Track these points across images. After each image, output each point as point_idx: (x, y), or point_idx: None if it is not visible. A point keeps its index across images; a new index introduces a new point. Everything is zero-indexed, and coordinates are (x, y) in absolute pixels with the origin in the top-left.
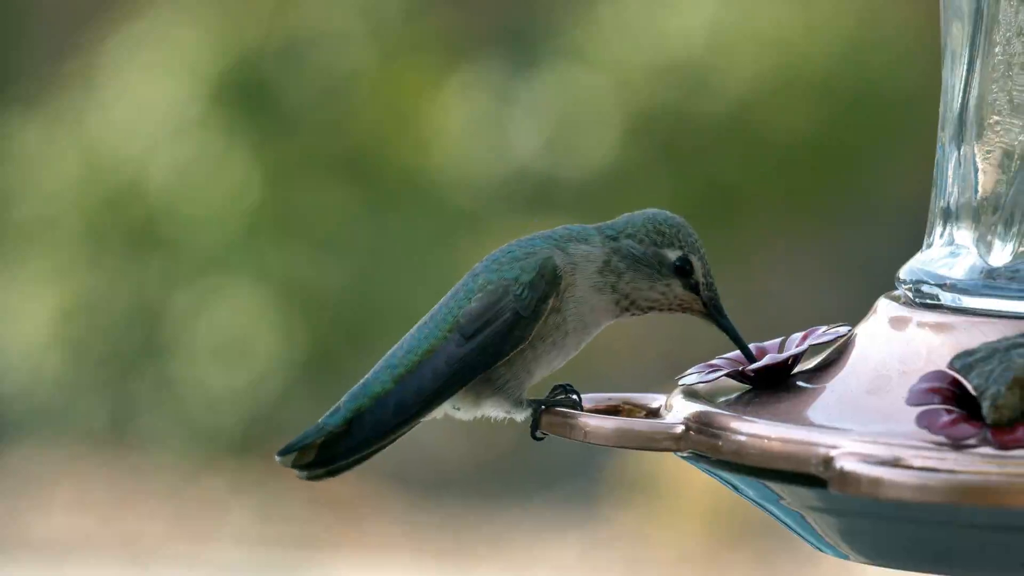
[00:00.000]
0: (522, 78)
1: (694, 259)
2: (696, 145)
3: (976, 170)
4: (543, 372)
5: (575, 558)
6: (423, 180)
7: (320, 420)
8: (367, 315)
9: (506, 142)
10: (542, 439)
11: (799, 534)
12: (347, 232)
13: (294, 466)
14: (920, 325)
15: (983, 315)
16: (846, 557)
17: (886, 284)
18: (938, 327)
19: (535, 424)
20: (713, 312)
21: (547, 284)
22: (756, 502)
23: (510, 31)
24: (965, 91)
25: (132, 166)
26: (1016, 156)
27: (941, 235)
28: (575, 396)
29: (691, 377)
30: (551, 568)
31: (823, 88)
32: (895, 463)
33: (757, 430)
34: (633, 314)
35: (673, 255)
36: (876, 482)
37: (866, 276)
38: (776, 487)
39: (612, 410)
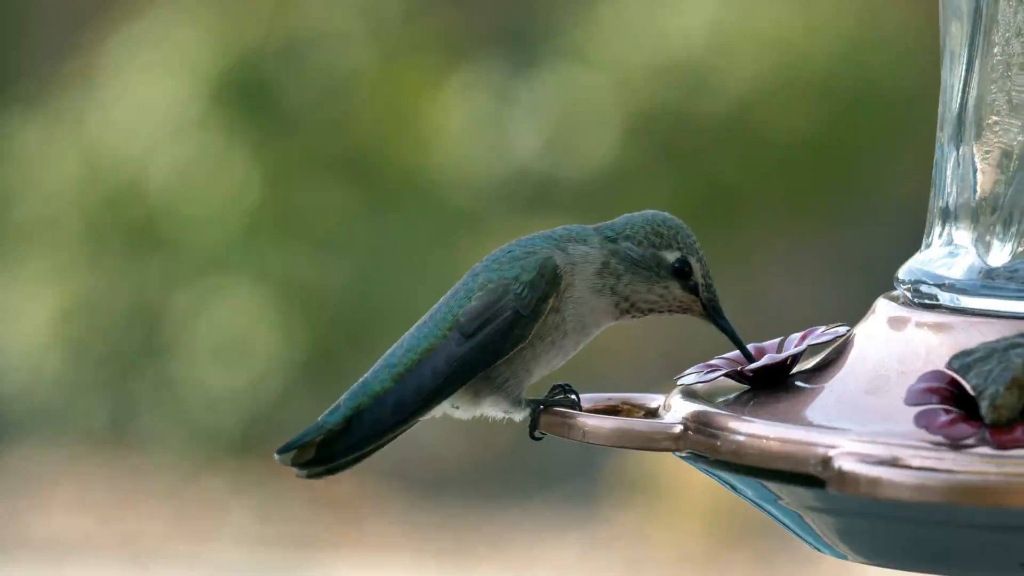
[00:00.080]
0: (522, 78)
1: (692, 260)
2: (696, 145)
3: (975, 170)
4: (542, 372)
5: (575, 558)
6: (423, 180)
7: (319, 418)
8: (367, 315)
9: (506, 142)
10: (541, 439)
11: (797, 534)
12: (347, 232)
13: (293, 464)
14: (919, 325)
15: (981, 315)
16: (844, 557)
17: (886, 284)
18: (937, 327)
19: (534, 424)
20: (712, 313)
21: (547, 284)
22: (754, 502)
23: (510, 31)
24: (964, 91)
25: (132, 166)
26: (1015, 156)
27: (940, 235)
28: (574, 396)
29: (690, 377)
30: (551, 568)
31: (823, 88)
32: (893, 463)
33: (756, 430)
34: (633, 316)
35: (671, 257)
36: (874, 482)
37: (866, 276)
38: (774, 487)
39: (611, 410)
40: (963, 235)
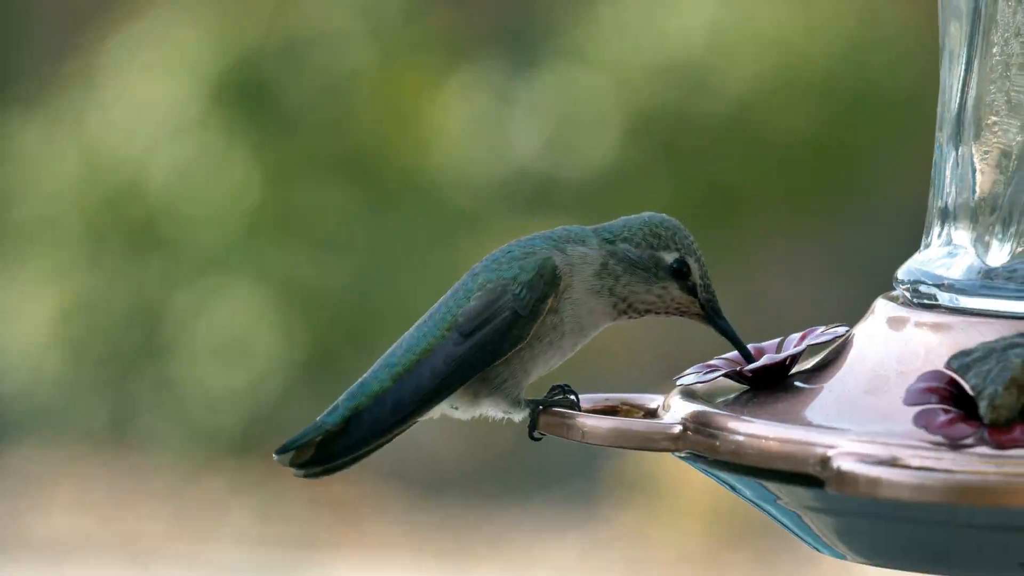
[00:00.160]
0: (522, 78)
1: (691, 261)
2: (696, 145)
3: (974, 170)
4: (540, 372)
5: (575, 558)
6: (423, 180)
7: (318, 418)
8: (367, 315)
9: (506, 142)
10: (540, 439)
11: (797, 534)
12: (347, 232)
13: (292, 465)
14: (918, 325)
15: (981, 315)
16: (844, 557)
17: (886, 284)
18: (936, 327)
19: (533, 424)
20: (711, 314)
21: (546, 284)
22: (754, 502)
23: (510, 31)
24: (963, 91)
25: (132, 166)
26: (1014, 156)
27: (939, 235)
28: (573, 396)
29: (689, 377)
30: (551, 568)
31: (823, 88)
32: (892, 463)
33: (755, 430)
34: (631, 317)
35: (670, 258)
36: (874, 482)
37: (866, 276)
38: (774, 487)
39: (610, 410)
40: (962, 235)
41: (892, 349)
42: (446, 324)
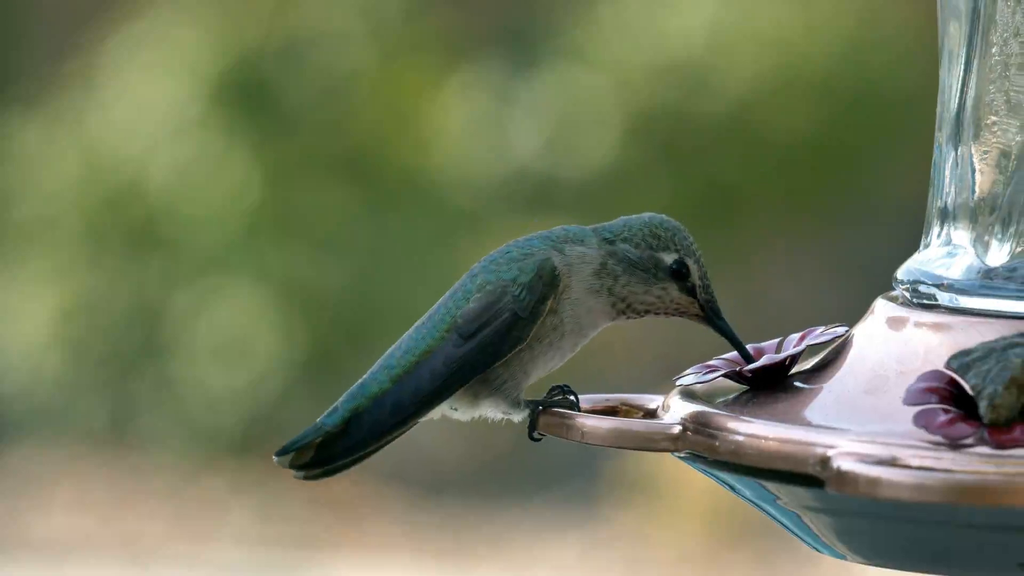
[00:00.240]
0: (522, 78)
1: (690, 262)
2: (696, 145)
3: (973, 170)
4: (540, 373)
5: (575, 558)
6: (423, 180)
7: (318, 420)
8: (367, 315)
9: (506, 142)
10: (540, 439)
11: (796, 534)
12: (347, 232)
13: (291, 466)
14: (917, 325)
15: (980, 315)
16: (843, 557)
17: (886, 284)
18: (935, 327)
19: (533, 424)
20: (710, 315)
21: (545, 286)
22: (753, 502)
23: (510, 31)
24: (962, 91)
25: (132, 166)
26: (1013, 156)
27: (938, 235)
28: (572, 397)
29: (688, 378)
30: (551, 568)
31: (823, 88)
32: (892, 463)
33: (754, 430)
34: (629, 317)
35: (669, 258)
36: (873, 482)
37: (866, 276)
38: (773, 487)
39: (609, 411)
40: (962, 235)
41: (892, 349)
42: (445, 326)
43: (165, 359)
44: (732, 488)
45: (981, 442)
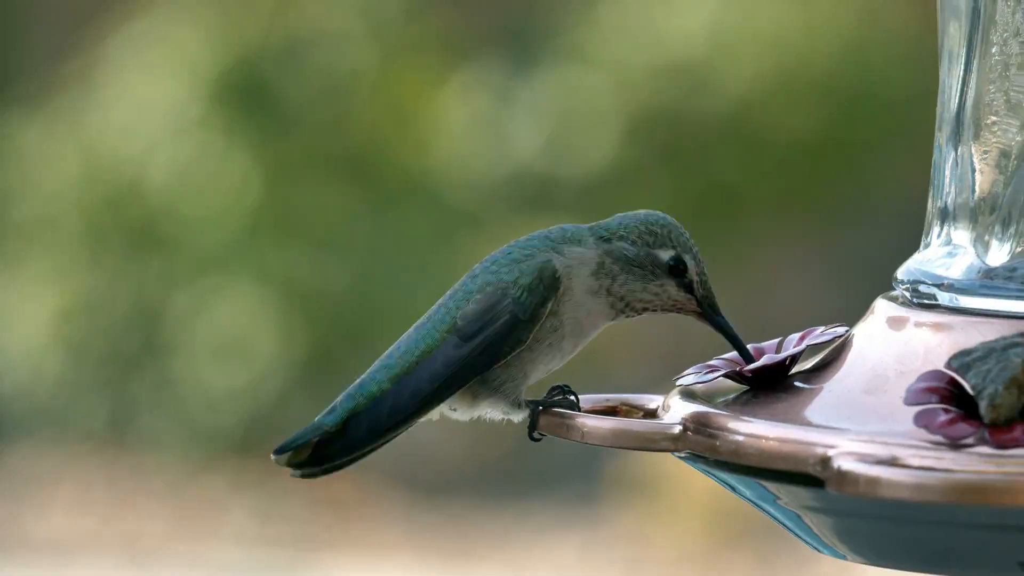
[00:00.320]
0: (522, 78)
1: (687, 258)
2: (696, 145)
3: (973, 170)
4: (540, 374)
5: (575, 558)
6: (423, 180)
7: (316, 419)
8: (367, 315)
9: (506, 142)
10: (540, 440)
11: (797, 534)
12: (347, 232)
13: (289, 465)
14: (918, 325)
15: (980, 315)
16: (844, 557)
17: (886, 284)
18: (936, 327)
19: (533, 424)
20: (708, 311)
21: (546, 288)
22: (754, 502)
23: (510, 31)
24: (962, 91)
25: (132, 166)
26: (1013, 156)
27: (939, 235)
28: (572, 397)
29: (689, 378)
30: (551, 568)
31: (823, 88)
32: (893, 462)
33: (755, 430)
34: (628, 315)
35: (666, 255)
36: (874, 481)
37: (866, 276)
38: (774, 487)
39: (610, 411)
40: (962, 235)
41: (892, 349)
42: (445, 326)
43: (165, 359)
44: (732, 488)
45: (981, 442)
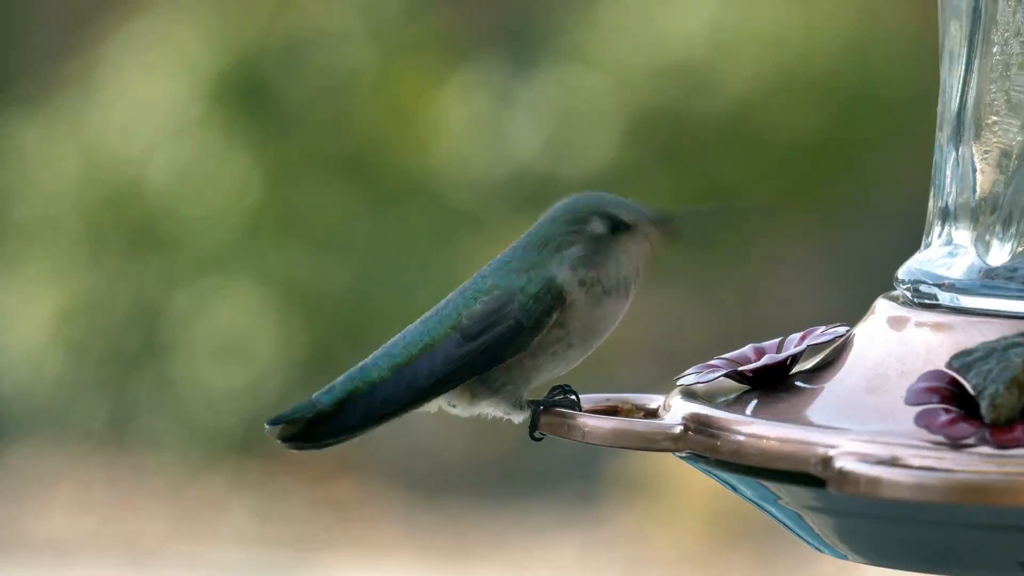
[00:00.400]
0: (522, 78)
1: (609, 211)
2: (696, 145)
3: (974, 170)
4: (542, 380)
5: (575, 558)
6: (423, 180)
7: (313, 396)
8: (367, 315)
9: (506, 142)
10: (540, 439)
11: (797, 534)
12: (347, 232)
13: (279, 438)
14: (918, 325)
15: (981, 315)
16: (844, 557)
17: (886, 284)
18: (936, 327)
19: (533, 424)
20: (667, 227)
21: (553, 299)
22: (754, 502)
23: (510, 31)
24: (963, 91)
25: (132, 166)
26: (1014, 156)
27: (939, 235)
28: (573, 396)
29: (689, 377)
30: (551, 568)
31: (823, 88)
32: (893, 462)
33: (755, 430)
34: (630, 295)
35: (600, 225)
36: (874, 481)
37: (866, 276)
38: (775, 487)
39: (610, 410)
40: (963, 235)
41: (893, 349)
42: (450, 323)
43: (165, 359)
44: (733, 488)
45: (982, 442)
